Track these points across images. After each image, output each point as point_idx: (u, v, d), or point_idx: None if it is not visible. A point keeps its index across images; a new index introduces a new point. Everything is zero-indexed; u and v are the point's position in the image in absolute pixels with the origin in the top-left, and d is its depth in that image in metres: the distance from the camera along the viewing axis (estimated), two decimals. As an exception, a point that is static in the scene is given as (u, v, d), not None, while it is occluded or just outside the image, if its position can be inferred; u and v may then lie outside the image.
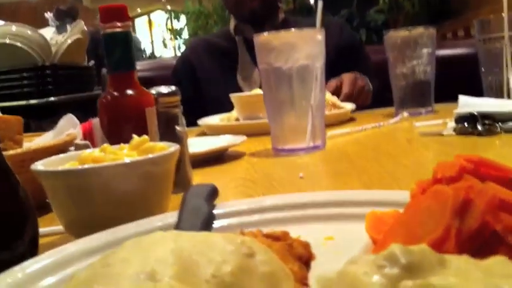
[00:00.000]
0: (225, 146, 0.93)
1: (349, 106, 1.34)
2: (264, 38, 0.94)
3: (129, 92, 0.65)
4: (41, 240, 0.54)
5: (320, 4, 0.99)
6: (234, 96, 1.34)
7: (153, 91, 0.72)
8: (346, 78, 1.53)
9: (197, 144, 0.99)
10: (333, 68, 1.68)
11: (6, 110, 2.57)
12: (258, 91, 1.33)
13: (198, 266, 0.30)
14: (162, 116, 0.71)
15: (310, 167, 0.81)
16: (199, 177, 0.81)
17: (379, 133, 1.07)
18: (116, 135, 0.63)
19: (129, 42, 0.64)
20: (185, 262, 0.30)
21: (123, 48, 0.64)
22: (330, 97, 1.33)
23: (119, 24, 0.63)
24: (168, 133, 0.71)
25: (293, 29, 0.95)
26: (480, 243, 0.34)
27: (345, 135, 1.08)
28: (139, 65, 2.58)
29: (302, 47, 0.93)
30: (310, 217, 0.48)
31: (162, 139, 0.69)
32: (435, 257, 0.25)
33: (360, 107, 1.44)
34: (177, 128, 0.72)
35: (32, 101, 2.78)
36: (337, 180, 0.70)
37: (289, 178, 0.73)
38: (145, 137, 0.55)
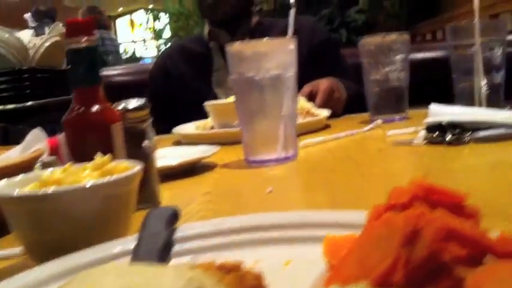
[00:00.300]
0: (196, 159, 0.93)
1: (324, 113, 1.34)
2: (235, 48, 0.94)
3: (94, 107, 0.64)
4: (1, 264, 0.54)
5: (292, 12, 0.99)
6: (208, 105, 1.34)
7: (120, 106, 0.71)
8: (322, 88, 1.49)
9: (169, 155, 0.99)
10: (307, 68, 1.67)
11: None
12: (232, 98, 1.32)
13: (145, 303, 0.30)
14: (129, 131, 0.70)
15: (280, 180, 0.81)
16: (168, 191, 0.81)
17: (352, 142, 1.08)
18: (81, 152, 0.63)
19: (94, 57, 0.64)
20: (132, 300, 0.30)
21: (88, 63, 0.63)
22: (304, 104, 1.33)
23: (84, 39, 0.63)
24: (135, 149, 0.71)
25: (265, 39, 0.95)
26: (429, 274, 0.34)
27: (318, 144, 1.09)
28: (118, 70, 2.58)
29: (273, 56, 0.93)
30: (270, 240, 0.47)
31: (129, 155, 0.68)
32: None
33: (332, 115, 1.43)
34: (145, 143, 0.72)
35: (9, 106, 2.74)
36: (305, 195, 0.70)
37: (258, 193, 0.73)
38: (107, 157, 0.55)
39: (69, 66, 0.66)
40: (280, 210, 0.63)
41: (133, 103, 0.72)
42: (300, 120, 1.23)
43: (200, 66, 1.79)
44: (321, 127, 1.30)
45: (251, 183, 0.79)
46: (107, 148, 0.62)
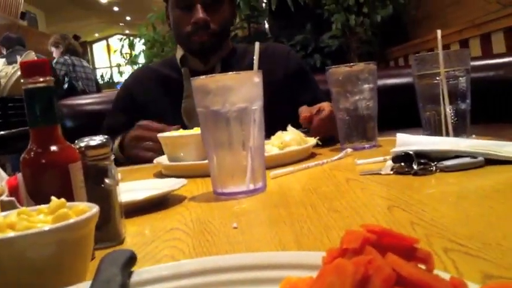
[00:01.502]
0: (163, 193, 0.92)
1: (312, 141, 1.31)
2: (200, 82, 0.95)
3: (52, 147, 0.63)
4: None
5: (257, 45, 1.00)
6: (160, 137, 1.32)
7: (82, 143, 0.71)
8: (326, 114, 1.41)
9: (138, 188, 0.98)
10: (282, 94, 1.68)
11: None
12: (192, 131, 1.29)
13: None
14: (90, 169, 0.70)
15: (246, 214, 0.80)
16: (134, 226, 0.80)
17: (321, 172, 1.08)
18: (39, 193, 0.62)
19: (51, 97, 0.63)
20: None
21: (44, 103, 0.63)
22: (298, 135, 1.30)
23: (40, 79, 0.62)
24: (96, 187, 0.70)
25: (230, 73, 0.96)
26: (379, 321, 0.34)
27: (287, 174, 1.09)
28: (89, 98, 2.57)
29: (239, 89, 0.93)
30: (228, 282, 0.47)
31: (90, 193, 0.67)
32: None
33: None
34: (106, 181, 0.71)
35: (-19, 136, 2.71)
36: (269, 231, 0.69)
37: (223, 228, 0.73)
38: (62, 200, 0.54)
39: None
40: (244, 247, 0.63)
41: (94, 141, 0.71)
42: (295, 148, 1.23)
43: (170, 92, 1.77)
44: (308, 156, 1.29)
45: (218, 218, 0.79)
46: (65, 188, 0.62)
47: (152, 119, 1.55)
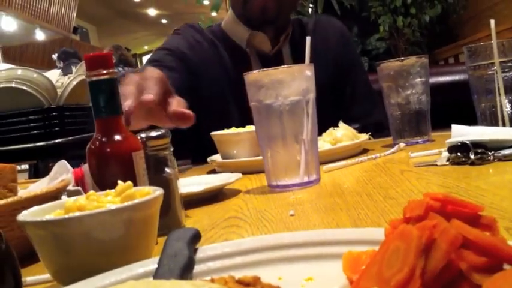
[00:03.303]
0: (220, 185, 0.94)
1: (364, 137, 1.30)
2: (253, 76, 0.96)
3: (116, 137, 0.66)
4: (29, 290, 0.55)
5: (308, 40, 1.01)
6: (213, 135, 1.31)
7: (142, 134, 0.73)
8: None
9: (194, 183, 1.00)
10: (333, 84, 1.63)
11: (13, 153, 2.60)
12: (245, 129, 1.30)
13: (163, 317, 0.30)
14: (151, 159, 0.72)
15: (302, 203, 0.81)
16: (191, 217, 0.82)
17: (374, 165, 1.08)
18: (104, 180, 0.64)
19: (114, 89, 0.66)
20: (150, 314, 0.30)
21: (108, 94, 0.65)
22: (350, 130, 1.30)
23: (103, 71, 0.65)
24: (157, 176, 0.72)
25: (282, 66, 0.97)
26: (446, 282, 0.34)
27: (340, 168, 1.09)
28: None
29: (291, 83, 0.94)
30: (290, 258, 0.48)
31: (151, 182, 0.70)
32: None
33: None
34: (167, 170, 0.73)
35: (39, 143, 2.82)
36: (326, 217, 0.70)
37: (280, 216, 0.74)
38: (129, 182, 0.56)
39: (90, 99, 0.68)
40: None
41: (155, 132, 0.74)
42: (348, 143, 1.23)
43: (238, 66, 1.51)
44: (360, 151, 1.29)
45: (274, 207, 0.80)
46: (129, 176, 0.64)
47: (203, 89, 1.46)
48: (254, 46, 1.61)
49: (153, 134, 0.73)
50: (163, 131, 0.75)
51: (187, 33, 1.65)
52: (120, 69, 5.59)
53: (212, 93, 1.56)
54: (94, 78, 0.65)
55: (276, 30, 1.60)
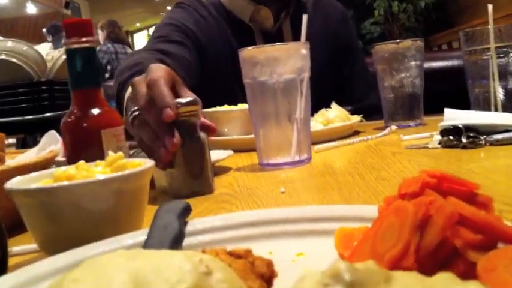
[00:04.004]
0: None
1: (356, 119, 1.30)
2: (247, 53, 0.95)
3: (92, 111, 0.64)
4: (16, 259, 0.54)
5: (305, 18, 0.99)
6: (204, 112, 1.27)
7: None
8: None
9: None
10: (331, 64, 1.60)
11: (1, 126, 2.57)
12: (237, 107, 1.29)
13: (153, 286, 0.30)
14: (183, 124, 0.74)
15: (293, 182, 0.80)
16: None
17: (366, 146, 1.07)
18: (73, 155, 0.63)
19: (92, 58, 0.63)
20: (140, 283, 0.30)
21: (86, 64, 0.63)
22: (342, 112, 1.29)
23: (82, 39, 0.63)
24: (191, 140, 0.75)
25: (277, 44, 0.96)
26: (441, 259, 0.34)
27: (331, 148, 1.08)
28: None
29: (287, 61, 0.93)
30: (282, 233, 0.47)
31: (186, 147, 0.73)
32: (381, 273, 0.25)
33: None
34: (200, 134, 0.76)
35: (28, 117, 2.79)
36: (317, 195, 0.70)
37: (271, 193, 0.73)
38: (120, 153, 0.55)
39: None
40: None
41: (185, 99, 0.75)
42: (339, 124, 1.22)
43: (243, 42, 1.39)
44: (352, 132, 1.28)
45: (265, 184, 0.79)
46: (96, 153, 0.62)
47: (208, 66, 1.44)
48: (257, 21, 1.56)
49: (184, 100, 0.74)
50: (193, 98, 0.76)
51: (191, 7, 1.59)
52: (109, 45, 5.52)
53: (217, 70, 1.52)
54: (72, 46, 0.63)
55: (280, 4, 1.55)
